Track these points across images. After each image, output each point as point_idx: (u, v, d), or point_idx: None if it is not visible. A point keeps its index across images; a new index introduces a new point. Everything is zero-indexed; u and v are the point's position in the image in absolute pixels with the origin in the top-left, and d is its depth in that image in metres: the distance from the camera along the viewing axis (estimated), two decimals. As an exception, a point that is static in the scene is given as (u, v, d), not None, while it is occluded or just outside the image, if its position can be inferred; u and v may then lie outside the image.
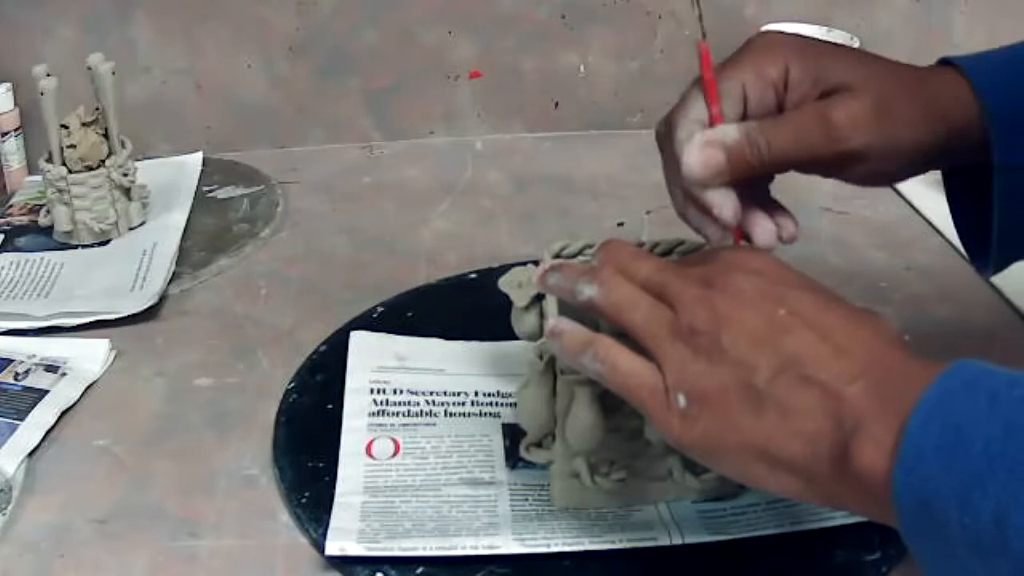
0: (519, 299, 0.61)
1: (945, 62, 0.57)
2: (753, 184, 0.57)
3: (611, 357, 0.47)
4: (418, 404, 0.67)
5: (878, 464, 0.39)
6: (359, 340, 0.73)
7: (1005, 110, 0.53)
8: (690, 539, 0.55)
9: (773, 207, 0.59)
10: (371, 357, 0.71)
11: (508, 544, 0.55)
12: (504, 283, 0.62)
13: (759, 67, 0.57)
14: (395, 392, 0.68)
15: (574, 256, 0.61)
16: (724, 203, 0.55)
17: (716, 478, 0.57)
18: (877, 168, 0.55)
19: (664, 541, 0.55)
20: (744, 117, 0.56)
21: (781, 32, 0.60)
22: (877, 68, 0.56)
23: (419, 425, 0.65)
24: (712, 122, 0.56)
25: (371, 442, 0.63)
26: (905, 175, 0.58)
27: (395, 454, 0.62)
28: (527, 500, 0.59)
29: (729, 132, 0.54)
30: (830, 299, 0.47)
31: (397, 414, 0.66)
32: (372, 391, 0.68)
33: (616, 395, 0.48)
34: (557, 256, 0.61)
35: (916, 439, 0.38)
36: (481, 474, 0.61)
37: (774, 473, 0.43)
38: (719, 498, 0.58)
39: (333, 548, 0.54)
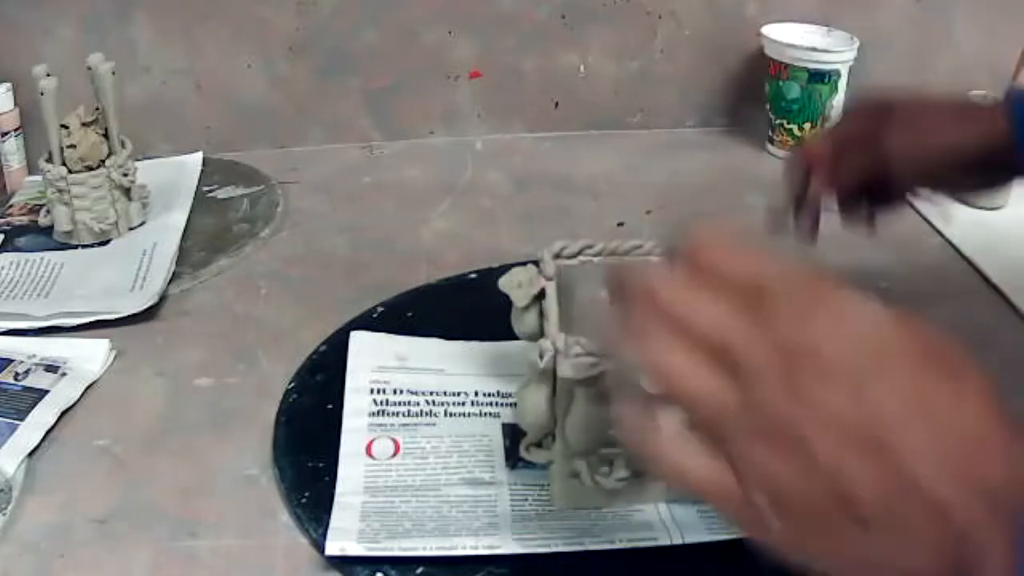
0: (519, 299, 0.61)
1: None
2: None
3: (679, 466, 0.39)
4: (418, 404, 0.67)
5: None
6: (359, 340, 0.73)
7: None
8: (690, 539, 0.55)
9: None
10: (371, 357, 0.71)
11: (508, 544, 0.55)
12: (504, 283, 0.62)
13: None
14: (395, 392, 0.68)
15: (574, 256, 0.61)
16: None
17: None
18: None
19: (664, 541, 0.55)
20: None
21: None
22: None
23: (419, 425, 0.65)
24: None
25: (371, 442, 0.63)
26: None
27: (395, 454, 0.62)
28: (527, 500, 0.59)
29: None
30: (925, 358, 0.38)
31: (397, 414, 0.66)
32: (372, 391, 0.68)
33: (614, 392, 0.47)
34: (557, 256, 0.61)
35: None
36: (481, 474, 0.61)
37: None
38: None
39: (333, 548, 0.54)
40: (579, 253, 0.62)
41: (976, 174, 0.70)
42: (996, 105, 0.68)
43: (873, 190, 0.72)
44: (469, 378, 0.69)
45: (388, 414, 0.66)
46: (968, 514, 0.35)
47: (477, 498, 0.59)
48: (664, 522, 0.57)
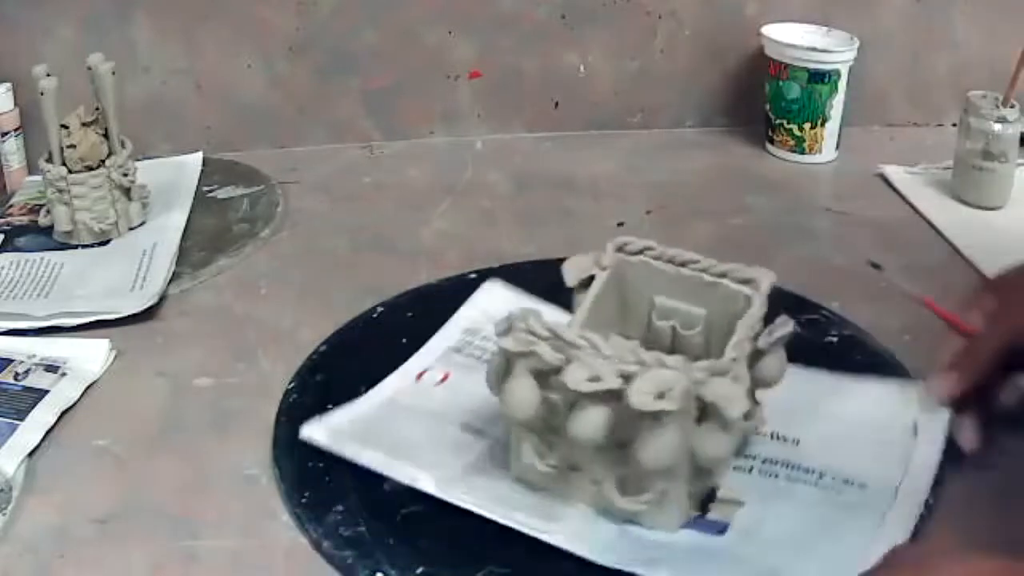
0: (569, 279, 0.63)
1: None
2: None
3: None
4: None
5: None
6: (489, 289, 0.77)
7: None
8: (596, 557, 0.54)
9: None
10: (490, 304, 0.74)
11: (428, 486, 0.58)
12: (566, 265, 0.63)
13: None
14: (483, 338, 0.71)
15: (636, 253, 0.64)
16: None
17: (650, 503, 0.56)
18: None
19: (568, 547, 0.55)
20: None
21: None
22: None
23: (480, 369, 0.64)
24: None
25: (426, 371, 0.67)
26: None
27: (440, 382, 0.66)
28: (496, 460, 0.61)
29: None
30: None
31: (471, 355, 0.69)
32: (466, 329, 0.72)
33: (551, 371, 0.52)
34: (619, 250, 0.64)
35: None
36: (482, 425, 0.63)
37: None
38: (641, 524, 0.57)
39: (306, 431, 0.61)
40: (640, 252, 0.64)
41: None
42: None
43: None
44: None
45: (464, 353, 0.69)
46: None
47: (460, 444, 0.62)
48: (585, 531, 0.56)
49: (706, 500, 0.58)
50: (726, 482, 0.59)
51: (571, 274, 0.64)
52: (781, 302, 0.79)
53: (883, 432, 0.63)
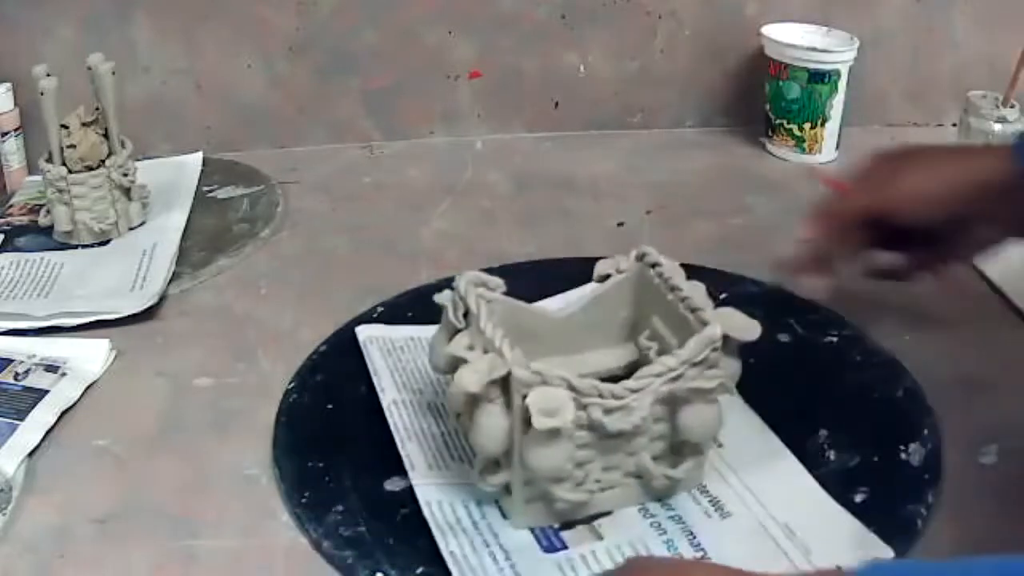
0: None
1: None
2: None
3: None
4: None
5: None
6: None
7: None
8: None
9: None
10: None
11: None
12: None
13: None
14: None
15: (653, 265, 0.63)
16: None
17: (689, 469, 0.58)
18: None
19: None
20: None
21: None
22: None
23: None
24: None
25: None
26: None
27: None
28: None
29: None
30: None
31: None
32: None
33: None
34: (640, 259, 0.64)
35: None
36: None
37: None
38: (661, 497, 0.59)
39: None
40: (653, 265, 0.64)
41: (983, 215, 0.70)
42: (1006, 147, 0.69)
43: (890, 236, 0.72)
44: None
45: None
46: None
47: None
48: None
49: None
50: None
51: (597, 270, 0.65)
52: (782, 302, 0.79)
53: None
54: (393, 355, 0.72)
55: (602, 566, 0.55)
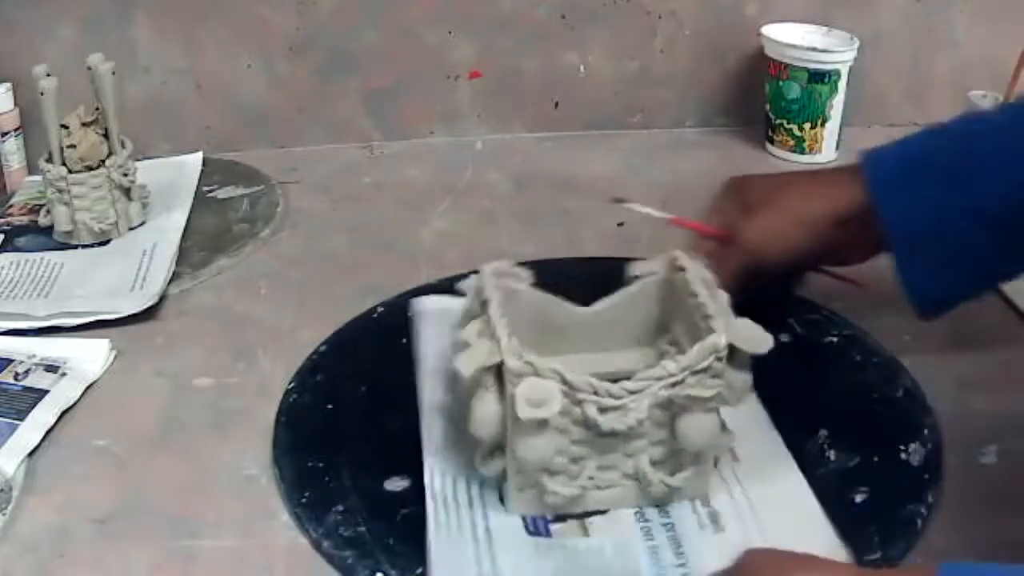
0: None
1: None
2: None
3: None
4: None
5: None
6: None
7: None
8: None
9: None
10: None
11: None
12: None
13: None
14: None
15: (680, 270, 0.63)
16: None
17: (688, 478, 0.57)
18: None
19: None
20: None
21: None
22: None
23: None
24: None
25: None
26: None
27: None
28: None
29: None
30: None
31: None
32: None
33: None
34: (672, 263, 0.64)
35: None
36: None
37: None
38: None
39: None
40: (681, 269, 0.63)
41: (844, 243, 0.69)
42: (853, 168, 0.68)
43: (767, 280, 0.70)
44: None
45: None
46: None
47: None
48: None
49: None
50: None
51: (629, 271, 0.65)
52: (782, 302, 0.79)
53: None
54: (442, 326, 0.72)
55: (581, 564, 0.55)
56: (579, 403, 0.54)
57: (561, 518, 0.58)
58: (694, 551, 0.55)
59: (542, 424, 0.53)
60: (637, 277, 0.65)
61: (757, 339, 0.56)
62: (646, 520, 0.58)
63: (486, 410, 0.55)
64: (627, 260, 0.66)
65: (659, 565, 0.54)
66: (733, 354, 0.56)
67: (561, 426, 0.55)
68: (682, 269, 0.62)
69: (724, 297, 0.60)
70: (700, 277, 0.61)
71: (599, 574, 0.54)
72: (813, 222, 0.68)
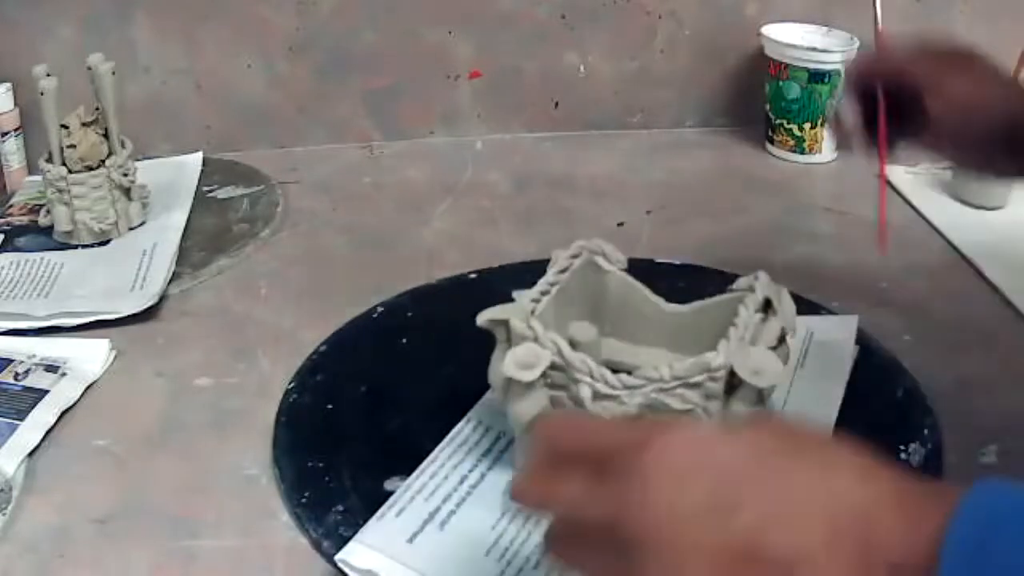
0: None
1: None
2: None
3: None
4: None
5: None
6: None
7: None
8: None
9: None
10: None
11: None
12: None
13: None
14: None
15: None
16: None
17: None
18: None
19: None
20: None
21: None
22: None
23: None
24: None
25: None
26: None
27: None
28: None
29: None
30: (785, 457, 0.37)
31: None
32: None
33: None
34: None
35: None
36: None
37: None
38: None
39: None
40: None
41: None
42: None
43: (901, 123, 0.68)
44: None
45: None
46: None
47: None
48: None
49: None
50: None
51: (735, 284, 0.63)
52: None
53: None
54: None
55: (528, 528, 0.55)
56: (576, 381, 0.55)
57: None
58: None
59: (529, 386, 0.55)
60: (732, 289, 0.62)
61: (764, 373, 0.53)
62: None
63: (496, 362, 0.57)
64: (629, 260, 0.66)
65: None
66: (740, 385, 0.54)
67: (557, 399, 0.56)
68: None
69: (776, 325, 0.58)
70: (769, 295, 0.60)
71: (534, 546, 0.55)
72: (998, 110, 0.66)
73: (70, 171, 0.87)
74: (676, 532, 0.36)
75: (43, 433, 0.66)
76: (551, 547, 0.41)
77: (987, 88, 0.67)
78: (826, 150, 1.08)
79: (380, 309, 0.79)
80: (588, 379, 0.55)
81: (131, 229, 0.92)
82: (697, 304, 0.64)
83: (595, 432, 0.41)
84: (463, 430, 0.63)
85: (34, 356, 0.73)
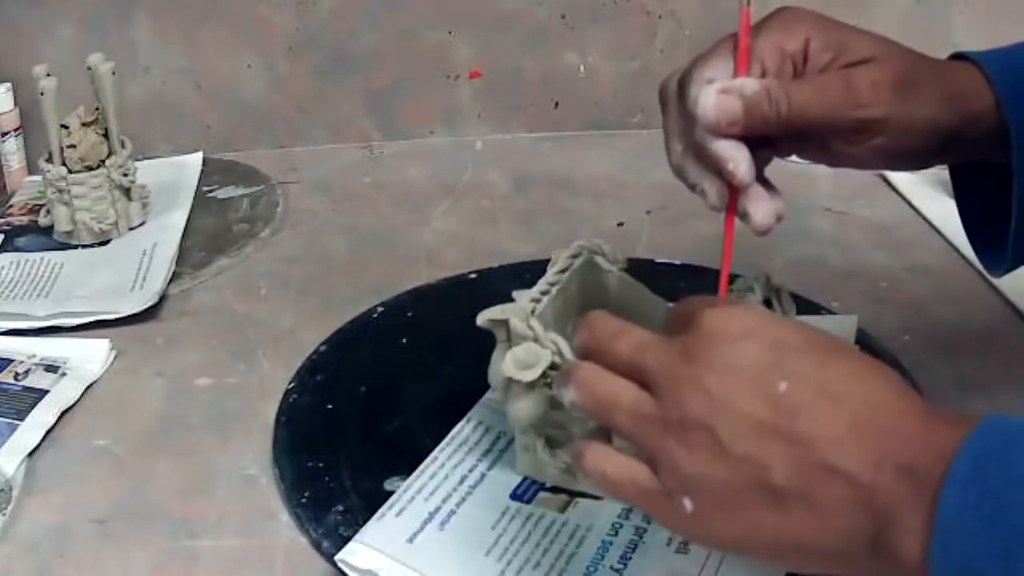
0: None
1: (959, 56, 0.56)
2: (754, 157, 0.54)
3: (599, 467, 0.43)
4: None
5: (915, 550, 0.36)
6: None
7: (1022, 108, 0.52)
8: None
9: (766, 185, 0.56)
10: None
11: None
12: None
13: (779, 38, 0.56)
14: None
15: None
16: (738, 157, 0.53)
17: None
18: (890, 144, 0.53)
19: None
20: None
21: (801, 8, 0.59)
22: (898, 47, 0.57)
23: None
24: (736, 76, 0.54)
25: None
26: (914, 161, 0.56)
27: None
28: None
29: (749, 84, 0.53)
30: (829, 352, 0.41)
31: None
32: None
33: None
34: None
35: (952, 515, 0.35)
36: None
37: (808, 561, 0.40)
38: None
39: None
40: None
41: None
42: (974, 74, 0.53)
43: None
44: None
45: None
46: (884, 492, 0.37)
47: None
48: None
49: None
50: None
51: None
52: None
53: None
54: None
55: (526, 531, 0.55)
56: None
57: (555, 491, 0.58)
58: (639, 564, 0.54)
59: (528, 387, 0.55)
60: (732, 289, 0.63)
61: None
62: (626, 519, 0.57)
63: (496, 362, 0.57)
64: (629, 260, 0.67)
65: (595, 562, 0.54)
66: None
67: (557, 400, 0.55)
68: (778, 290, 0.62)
69: None
70: (766, 301, 0.61)
71: (534, 546, 0.55)
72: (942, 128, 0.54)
73: (70, 171, 0.87)
74: (723, 384, 0.39)
75: (43, 433, 0.66)
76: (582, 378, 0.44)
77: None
78: (826, 150, 1.07)
79: (380, 309, 0.79)
80: None
81: (131, 229, 0.92)
82: None
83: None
84: (463, 430, 0.63)
85: (34, 356, 0.73)
